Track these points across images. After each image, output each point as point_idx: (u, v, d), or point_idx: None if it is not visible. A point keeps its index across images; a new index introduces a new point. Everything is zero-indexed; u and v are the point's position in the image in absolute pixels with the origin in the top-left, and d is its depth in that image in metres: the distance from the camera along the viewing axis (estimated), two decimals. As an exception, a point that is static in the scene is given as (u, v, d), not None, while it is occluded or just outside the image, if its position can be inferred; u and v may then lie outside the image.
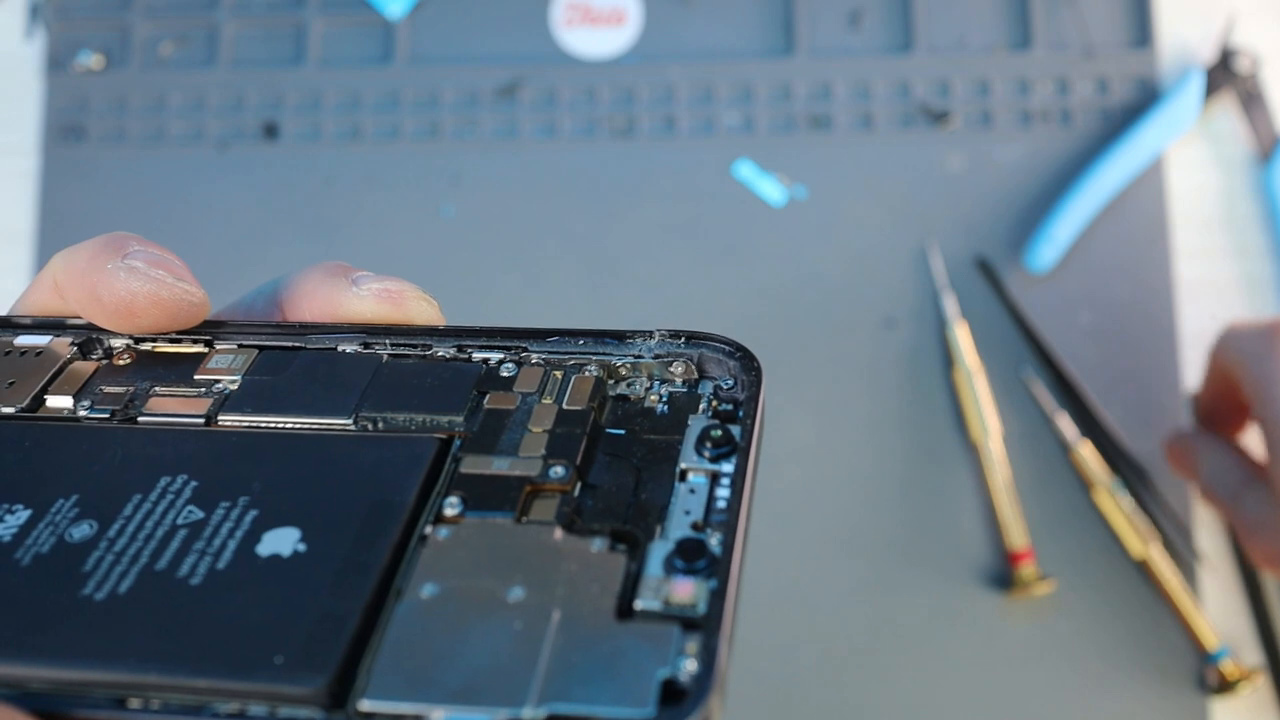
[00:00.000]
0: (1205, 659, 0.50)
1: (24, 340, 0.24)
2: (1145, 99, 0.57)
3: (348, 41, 0.60)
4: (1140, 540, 0.51)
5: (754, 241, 0.56)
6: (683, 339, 0.22)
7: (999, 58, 0.58)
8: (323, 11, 0.60)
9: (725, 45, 0.59)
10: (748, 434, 0.20)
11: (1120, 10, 0.58)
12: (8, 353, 0.23)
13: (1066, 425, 0.52)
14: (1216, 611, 0.51)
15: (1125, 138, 0.55)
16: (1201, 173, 0.56)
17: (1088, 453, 0.52)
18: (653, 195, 0.57)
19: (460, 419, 0.21)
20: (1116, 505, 0.51)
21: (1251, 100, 0.56)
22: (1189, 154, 0.56)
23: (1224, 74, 0.56)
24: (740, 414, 0.21)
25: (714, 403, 0.22)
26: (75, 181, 0.58)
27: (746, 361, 0.22)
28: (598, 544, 0.19)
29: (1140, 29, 0.58)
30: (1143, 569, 0.51)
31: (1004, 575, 0.51)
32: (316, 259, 0.62)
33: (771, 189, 0.57)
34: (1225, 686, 0.49)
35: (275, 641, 0.17)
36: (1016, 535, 0.51)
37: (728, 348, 0.22)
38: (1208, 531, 0.52)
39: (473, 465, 0.20)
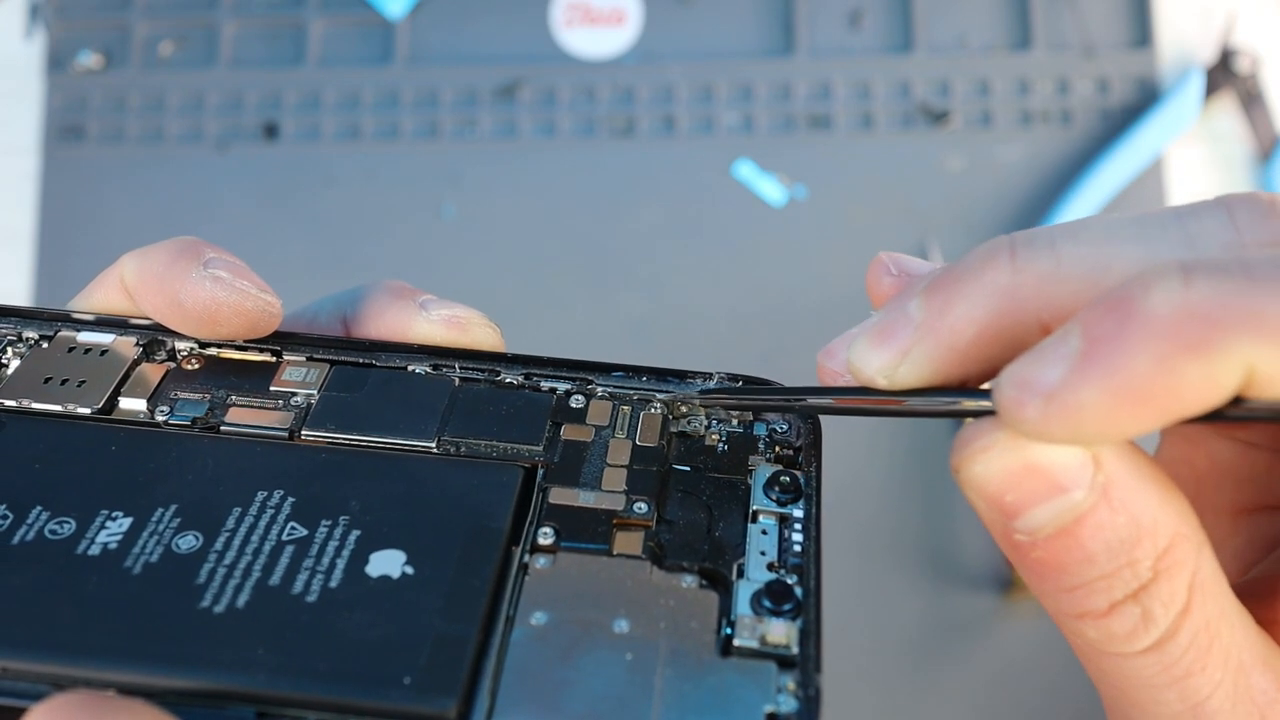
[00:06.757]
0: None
1: (86, 337, 0.24)
2: (1145, 99, 0.57)
3: (347, 41, 0.60)
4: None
5: (754, 241, 0.56)
6: (740, 383, 0.23)
7: (999, 58, 0.58)
8: (322, 11, 0.60)
9: (725, 45, 0.59)
10: (814, 482, 0.22)
11: (1120, 10, 0.58)
12: (71, 349, 0.24)
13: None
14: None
15: (1125, 138, 0.55)
16: (1201, 173, 0.56)
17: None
18: (653, 195, 0.57)
19: (540, 449, 0.22)
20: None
21: (1251, 100, 0.56)
22: (1189, 154, 0.56)
23: (1224, 74, 0.56)
24: (800, 460, 0.23)
25: (774, 447, 0.23)
26: (75, 181, 0.58)
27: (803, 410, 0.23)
28: (688, 580, 0.20)
29: (1140, 29, 0.58)
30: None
31: (1004, 575, 0.51)
32: (316, 259, 0.62)
33: (771, 189, 0.57)
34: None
35: (399, 661, 0.18)
36: (1016, 535, 0.51)
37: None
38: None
39: (561, 496, 0.22)
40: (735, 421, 0.23)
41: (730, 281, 0.56)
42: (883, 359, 0.19)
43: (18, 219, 0.58)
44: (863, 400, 0.20)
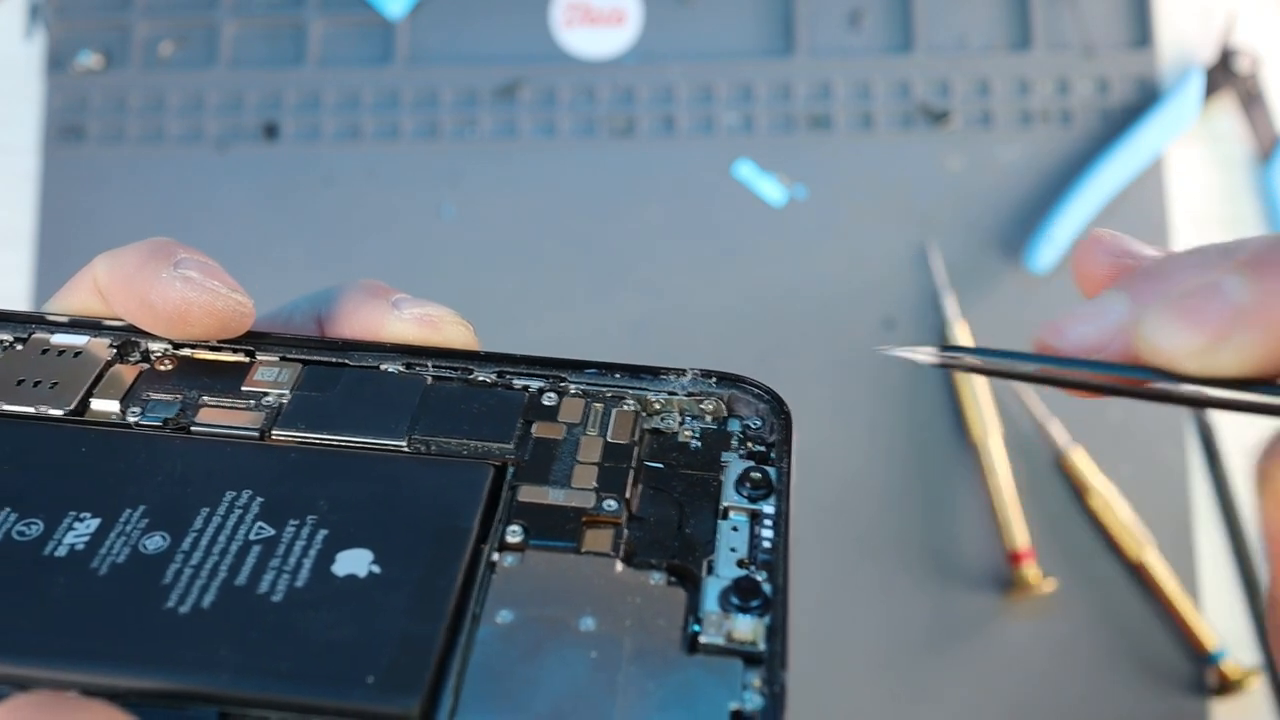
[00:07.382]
0: (1205, 660, 0.50)
1: (60, 339, 0.24)
2: (1145, 99, 0.57)
3: (347, 41, 0.60)
4: (1135, 544, 0.51)
5: (754, 241, 0.56)
6: (714, 379, 0.23)
7: (999, 58, 0.58)
8: (322, 11, 0.60)
9: (725, 45, 0.59)
10: (785, 477, 0.22)
11: (1120, 10, 0.58)
12: (45, 351, 0.24)
13: (1058, 431, 0.52)
14: (1215, 612, 0.51)
15: (1125, 138, 0.55)
16: (1201, 173, 0.56)
17: (1079, 458, 0.52)
18: (653, 195, 0.57)
19: (510, 447, 0.22)
20: (1110, 510, 0.51)
21: (1251, 100, 0.56)
22: (1189, 154, 0.56)
23: (1224, 74, 0.56)
24: (773, 455, 0.23)
25: (747, 443, 0.23)
26: (75, 181, 0.58)
27: (776, 405, 0.23)
28: (656, 577, 0.20)
29: (1140, 29, 0.58)
30: (1138, 572, 0.51)
31: (1004, 575, 0.51)
32: (316, 259, 0.61)
33: (771, 189, 0.57)
34: (1226, 687, 0.49)
35: (363, 661, 0.18)
36: (1017, 535, 0.51)
37: (758, 390, 0.23)
38: (1206, 534, 0.52)
39: (530, 495, 0.21)
40: (709, 418, 0.23)
41: (730, 281, 0.55)
42: (1194, 341, 0.17)
43: (18, 219, 0.58)
44: (1150, 384, 0.18)
